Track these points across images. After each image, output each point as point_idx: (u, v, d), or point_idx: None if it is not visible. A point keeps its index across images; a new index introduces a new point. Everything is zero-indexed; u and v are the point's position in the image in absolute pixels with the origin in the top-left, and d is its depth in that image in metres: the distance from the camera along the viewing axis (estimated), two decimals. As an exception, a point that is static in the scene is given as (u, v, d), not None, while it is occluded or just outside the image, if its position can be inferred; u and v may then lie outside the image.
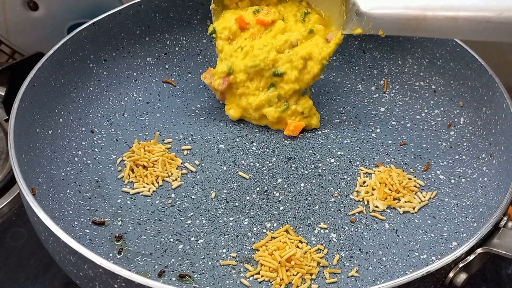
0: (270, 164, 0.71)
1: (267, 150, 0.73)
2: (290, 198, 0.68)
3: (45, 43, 0.84)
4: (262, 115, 0.74)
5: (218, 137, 0.75)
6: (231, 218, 0.65)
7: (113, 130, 0.74)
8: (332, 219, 0.66)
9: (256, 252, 0.62)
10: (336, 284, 0.60)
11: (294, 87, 0.73)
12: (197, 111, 0.78)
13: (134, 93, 0.79)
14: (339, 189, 0.69)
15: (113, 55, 0.78)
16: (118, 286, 0.51)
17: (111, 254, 0.61)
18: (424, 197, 0.68)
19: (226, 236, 0.63)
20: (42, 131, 0.68)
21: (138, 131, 0.75)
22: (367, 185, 0.69)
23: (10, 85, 0.75)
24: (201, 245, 0.63)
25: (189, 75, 0.83)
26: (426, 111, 0.78)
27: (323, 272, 0.61)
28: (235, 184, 0.69)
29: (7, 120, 0.72)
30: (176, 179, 0.69)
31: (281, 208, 0.67)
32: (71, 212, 0.64)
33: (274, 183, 0.69)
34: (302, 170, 0.71)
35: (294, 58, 0.72)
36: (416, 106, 0.78)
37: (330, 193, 0.68)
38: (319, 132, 0.76)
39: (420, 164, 0.72)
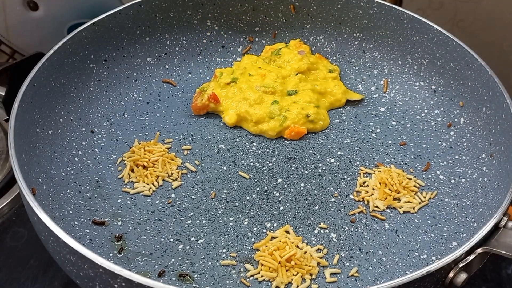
0: (270, 164, 0.71)
1: (267, 150, 0.73)
2: (290, 198, 0.68)
3: (45, 43, 0.84)
4: (261, 130, 0.74)
5: (218, 137, 0.75)
6: (231, 218, 0.65)
7: (113, 130, 0.74)
8: (332, 219, 0.66)
9: (256, 252, 0.62)
10: (336, 284, 0.60)
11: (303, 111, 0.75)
12: (197, 111, 0.78)
13: (134, 93, 0.79)
14: (339, 189, 0.69)
15: (113, 55, 0.78)
16: (118, 286, 0.51)
17: (111, 254, 0.61)
18: (424, 197, 0.68)
19: (226, 236, 0.63)
20: (42, 131, 0.67)
21: (138, 131, 0.75)
22: (367, 185, 0.69)
23: (10, 85, 0.75)
24: (201, 245, 0.63)
25: (189, 75, 0.83)
26: (426, 111, 0.78)
27: (323, 272, 0.61)
28: (235, 184, 0.69)
29: (7, 120, 0.72)
30: (176, 179, 0.69)
31: (281, 208, 0.67)
32: (71, 212, 0.64)
33: (274, 183, 0.69)
34: (302, 170, 0.71)
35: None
36: (416, 106, 0.78)
37: (330, 193, 0.68)
38: (319, 132, 0.76)
39: (420, 164, 0.72)
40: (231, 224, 0.65)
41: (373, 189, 0.68)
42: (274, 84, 0.76)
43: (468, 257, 0.55)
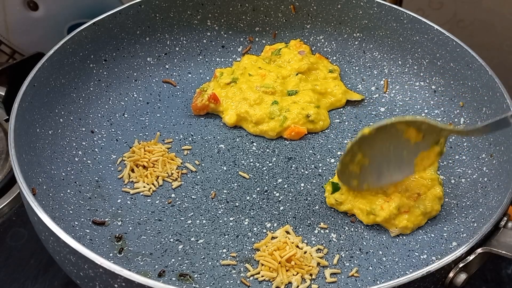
0: (270, 164, 0.71)
1: (267, 150, 0.73)
2: (290, 198, 0.68)
3: (45, 43, 0.84)
4: (261, 131, 0.74)
5: (218, 137, 0.75)
6: (231, 218, 0.65)
7: (113, 130, 0.74)
8: (332, 219, 0.66)
9: (256, 252, 0.62)
10: (336, 284, 0.60)
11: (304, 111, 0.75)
12: (197, 111, 0.78)
13: (134, 93, 0.79)
14: (339, 189, 0.69)
15: (113, 55, 0.78)
16: (118, 286, 0.51)
17: (111, 254, 0.61)
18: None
19: (226, 236, 0.63)
20: (42, 131, 0.67)
21: (138, 131, 0.75)
22: (367, 185, 0.69)
23: (10, 85, 0.75)
24: (201, 245, 0.63)
25: (189, 75, 0.83)
26: (426, 111, 0.77)
27: (323, 272, 0.61)
28: (235, 184, 0.69)
29: (7, 120, 0.72)
30: (176, 179, 0.69)
31: (281, 208, 0.67)
32: (71, 212, 0.64)
33: (274, 183, 0.69)
34: (302, 170, 0.71)
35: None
36: (416, 106, 0.78)
37: (330, 193, 0.68)
38: (319, 132, 0.76)
39: (420, 164, 0.72)
40: (231, 224, 0.65)
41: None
42: (274, 84, 0.76)
43: (468, 257, 0.55)
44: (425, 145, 0.62)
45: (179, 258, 0.61)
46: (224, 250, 0.62)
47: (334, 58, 0.84)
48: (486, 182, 0.67)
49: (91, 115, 0.74)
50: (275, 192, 0.68)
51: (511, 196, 0.59)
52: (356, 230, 0.65)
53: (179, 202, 0.67)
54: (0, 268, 0.68)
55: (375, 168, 0.64)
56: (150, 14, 0.80)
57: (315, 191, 0.68)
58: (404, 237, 0.64)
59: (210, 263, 0.61)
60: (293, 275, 0.60)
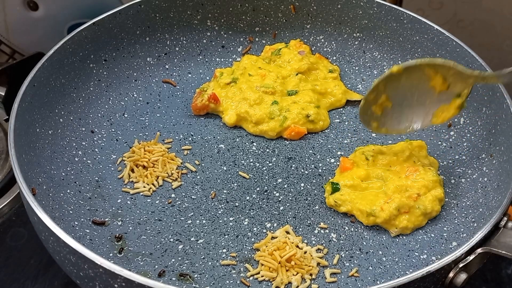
0: (270, 164, 0.71)
1: (267, 150, 0.73)
2: (290, 198, 0.68)
3: (45, 43, 0.84)
4: (261, 131, 0.74)
5: (218, 137, 0.75)
6: (231, 218, 0.65)
7: (113, 130, 0.74)
8: (332, 219, 0.66)
9: (256, 252, 0.62)
10: (336, 284, 0.60)
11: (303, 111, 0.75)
12: (197, 111, 0.78)
13: (134, 93, 0.79)
14: (339, 189, 0.69)
15: (113, 55, 0.78)
16: (118, 286, 0.51)
17: (111, 254, 0.61)
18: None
19: (226, 236, 0.63)
20: (42, 131, 0.67)
21: (138, 131, 0.75)
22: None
23: (10, 85, 0.75)
24: (201, 245, 0.63)
25: (189, 75, 0.83)
26: (426, 111, 0.77)
27: (323, 272, 0.61)
28: (235, 184, 0.69)
29: (7, 120, 0.72)
30: (176, 179, 0.69)
31: (281, 208, 0.67)
32: (71, 212, 0.64)
33: (274, 183, 0.69)
34: (302, 170, 0.71)
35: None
36: (416, 106, 0.78)
37: (330, 193, 0.68)
38: (319, 132, 0.76)
39: (420, 164, 0.72)
40: (231, 224, 0.65)
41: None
42: (274, 84, 0.76)
43: (468, 257, 0.55)
44: (448, 96, 0.63)
45: (179, 258, 0.61)
46: (224, 250, 0.62)
47: (334, 58, 0.84)
48: (486, 182, 0.67)
49: (91, 115, 0.74)
50: (275, 192, 0.68)
51: (511, 196, 0.59)
52: (356, 230, 0.65)
53: (179, 202, 0.67)
54: (0, 268, 0.68)
55: (396, 113, 0.64)
56: (150, 14, 0.80)
57: (315, 191, 0.68)
58: (404, 237, 0.64)
59: (210, 263, 0.61)
60: (293, 275, 0.60)
